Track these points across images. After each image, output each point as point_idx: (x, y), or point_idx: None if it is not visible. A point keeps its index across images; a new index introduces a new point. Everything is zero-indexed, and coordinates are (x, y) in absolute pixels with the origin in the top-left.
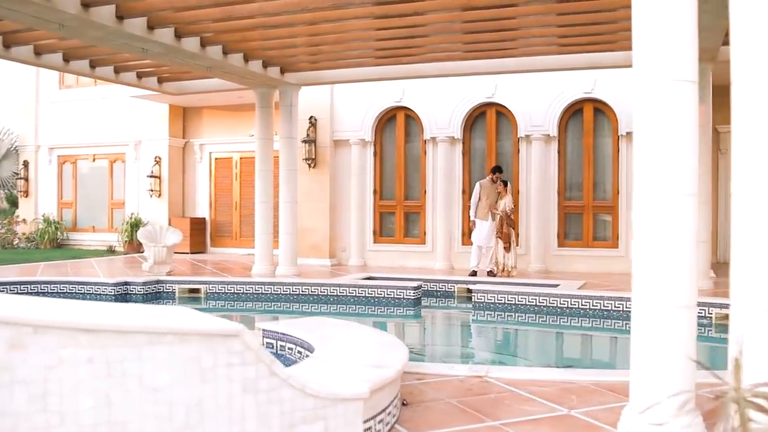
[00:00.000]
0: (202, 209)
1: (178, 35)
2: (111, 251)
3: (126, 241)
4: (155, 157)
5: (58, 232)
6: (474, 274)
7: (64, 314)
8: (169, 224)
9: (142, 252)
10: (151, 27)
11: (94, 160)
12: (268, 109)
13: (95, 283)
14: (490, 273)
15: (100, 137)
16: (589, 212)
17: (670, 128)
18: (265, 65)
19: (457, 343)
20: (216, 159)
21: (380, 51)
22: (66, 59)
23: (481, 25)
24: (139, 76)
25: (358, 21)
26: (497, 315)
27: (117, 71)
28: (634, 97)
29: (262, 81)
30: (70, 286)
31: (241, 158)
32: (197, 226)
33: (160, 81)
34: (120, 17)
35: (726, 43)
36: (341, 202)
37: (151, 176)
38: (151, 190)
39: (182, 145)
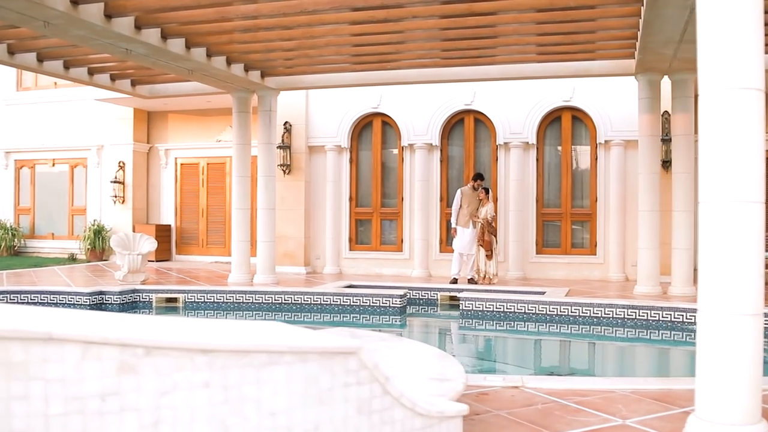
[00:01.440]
0: (167, 216)
1: (165, 36)
2: (72, 259)
3: (89, 249)
4: (119, 162)
5: (15, 239)
6: (455, 281)
7: (178, 333)
8: (134, 231)
9: (106, 260)
10: (138, 27)
11: (53, 164)
12: (246, 114)
13: (69, 293)
14: (471, 280)
15: (61, 141)
16: (567, 220)
17: (736, 136)
18: (246, 69)
19: (458, 353)
20: (182, 165)
21: (361, 56)
22: (40, 59)
23: (461, 33)
24: (113, 78)
25: (344, 26)
26: (485, 323)
27: (91, 73)
28: (701, 105)
29: (242, 85)
30: (42, 295)
31: (207, 164)
32: (162, 233)
33: (134, 84)
34: (108, 16)
35: None
36: (316, 209)
37: (114, 182)
38: (115, 196)
39: (147, 150)
